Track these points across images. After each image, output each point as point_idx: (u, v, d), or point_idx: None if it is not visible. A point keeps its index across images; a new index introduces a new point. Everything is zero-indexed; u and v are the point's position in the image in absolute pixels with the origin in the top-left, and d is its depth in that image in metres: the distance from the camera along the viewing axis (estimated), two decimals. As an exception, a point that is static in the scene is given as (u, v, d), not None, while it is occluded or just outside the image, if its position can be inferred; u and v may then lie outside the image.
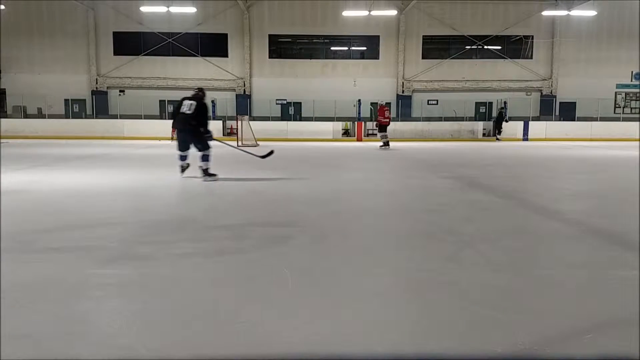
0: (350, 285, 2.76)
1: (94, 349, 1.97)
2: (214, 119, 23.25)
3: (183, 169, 7.63)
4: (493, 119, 22.33)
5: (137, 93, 24.69)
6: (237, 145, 16.52)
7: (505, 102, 23.00)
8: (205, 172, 7.35)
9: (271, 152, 8.78)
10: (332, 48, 25.95)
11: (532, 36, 25.34)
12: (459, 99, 25.06)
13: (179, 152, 7.55)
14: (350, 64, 25.72)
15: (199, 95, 7.35)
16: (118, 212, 5.02)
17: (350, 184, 7.52)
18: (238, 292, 2.64)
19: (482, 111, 25.63)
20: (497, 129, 21.65)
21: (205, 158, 7.33)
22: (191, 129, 7.21)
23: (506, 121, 21.57)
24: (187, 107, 7.18)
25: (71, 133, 21.66)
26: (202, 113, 7.24)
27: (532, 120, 23.69)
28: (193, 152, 7.50)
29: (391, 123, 16.46)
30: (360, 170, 9.53)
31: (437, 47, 25.85)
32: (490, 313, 2.34)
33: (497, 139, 21.39)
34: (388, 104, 17.28)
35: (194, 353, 1.93)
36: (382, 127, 15.70)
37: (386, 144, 15.64)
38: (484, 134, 22.50)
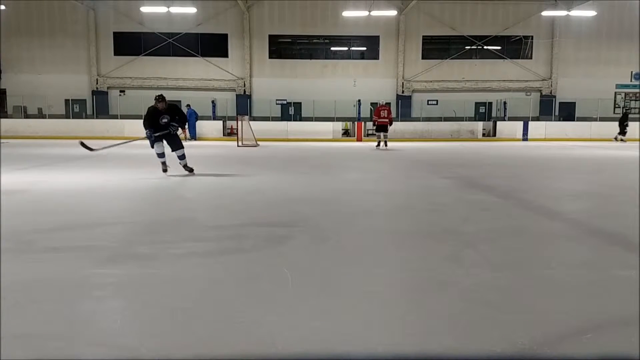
0: (350, 285, 2.76)
1: (94, 349, 1.97)
2: (214, 119, 23.29)
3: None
4: (619, 120, 21.19)
5: (137, 93, 24.65)
6: (237, 145, 16.64)
7: (626, 109, 21.53)
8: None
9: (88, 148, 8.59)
10: (332, 48, 25.95)
11: (532, 36, 25.34)
12: (458, 99, 25.06)
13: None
14: (350, 64, 25.73)
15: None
16: (118, 212, 5.02)
17: (350, 184, 7.52)
18: (238, 292, 2.64)
19: (482, 111, 25.63)
20: (622, 129, 20.69)
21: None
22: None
23: (626, 124, 20.51)
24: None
25: (71, 133, 21.61)
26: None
27: (532, 120, 23.69)
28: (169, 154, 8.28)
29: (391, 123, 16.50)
30: (360, 170, 9.53)
31: (437, 48, 25.85)
32: (490, 313, 2.34)
33: (621, 140, 20.30)
34: (388, 104, 17.31)
35: (194, 353, 1.93)
36: (379, 127, 15.99)
37: (378, 144, 16.02)
38: (483, 134, 22.50)
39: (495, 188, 6.92)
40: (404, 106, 25.30)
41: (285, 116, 24.96)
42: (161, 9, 21.94)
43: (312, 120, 23.57)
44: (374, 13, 22.41)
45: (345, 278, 2.89)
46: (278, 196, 6.09)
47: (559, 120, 24.42)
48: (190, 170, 8.21)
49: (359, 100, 23.35)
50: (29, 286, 2.69)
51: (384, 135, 15.91)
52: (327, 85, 25.13)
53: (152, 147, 8.12)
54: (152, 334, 2.11)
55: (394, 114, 25.07)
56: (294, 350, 1.95)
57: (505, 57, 25.42)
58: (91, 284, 2.75)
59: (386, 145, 15.87)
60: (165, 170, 8.16)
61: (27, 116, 24.16)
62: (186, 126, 20.68)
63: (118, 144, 9.90)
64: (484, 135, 22.50)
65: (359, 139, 21.60)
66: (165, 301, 2.48)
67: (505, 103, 24.34)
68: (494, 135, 22.50)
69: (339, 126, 22.41)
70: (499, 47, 25.47)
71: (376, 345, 2.00)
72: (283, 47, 25.94)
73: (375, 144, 16.31)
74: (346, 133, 22.60)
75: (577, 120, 23.96)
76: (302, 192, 6.50)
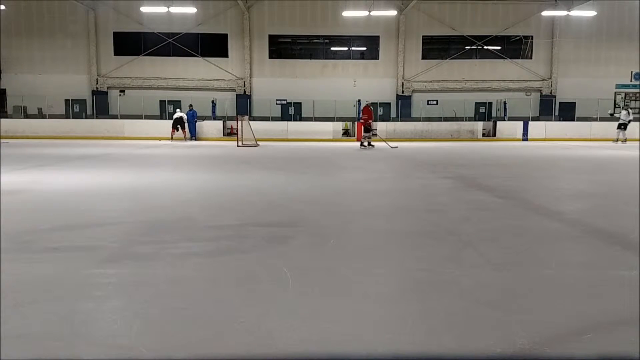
0: (350, 285, 2.76)
1: (94, 349, 1.97)
2: (214, 119, 23.30)
3: None
4: None
5: (137, 93, 24.67)
6: (238, 145, 16.63)
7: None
8: None
9: None
10: (332, 48, 25.95)
11: (532, 36, 25.35)
12: (458, 99, 25.06)
13: None
14: (350, 64, 25.73)
15: None
16: (118, 212, 5.01)
17: (350, 184, 7.52)
18: (238, 292, 2.64)
19: (482, 111, 25.64)
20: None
21: None
22: None
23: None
24: None
25: (71, 133, 21.66)
26: None
27: (532, 120, 23.70)
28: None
29: (385, 123, 16.90)
30: (360, 170, 9.53)
31: (437, 47, 25.85)
32: (490, 313, 2.34)
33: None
34: (367, 104, 17.33)
35: (194, 353, 1.93)
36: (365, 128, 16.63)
37: (369, 144, 16.43)
38: (483, 134, 22.51)
39: (495, 188, 6.92)
40: (404, 106, 25.31)
41: (285, 116, 24.96)
42: (161, 9, 21.94)
43: (312, 120, 23.58)
44: (374, 13, 22.42)
45: (345, 278, 2.89)
46: (278, 196, 6.09)
47: (559, 120, 24.42)
48: None
49: (359, 100, 23.33)
50: (29, 286, 2.69)
51: (364, 136, 16.56)
52: (327, 85, 25.14)
53: None
54: (152, 334, 2.11)
55: (393, 114, 25.21)
56: (294, 350, 1.95)
57: (505, 57, 25.42)
58: (91, 284, 2.75)
59: (362, 144, 16.37)
60: None
61: (27, 116, 24.16)
62: (186, 126, 20.87)
63: None
64: (484, 135, 22.51)
65: (359, 139, 21.57)
66: (165, 301, 2.48)
67: (505, 103, 24.35)
68: (494, 135, 22.51)
69: (339, 126, 22.42)
70: (499, 47, 25.47)
71: (376, 345, 2.00)
72: (283, 47, 25.94)
73: (365, 144, 16.65)
74: (346, 133, 22.61)
75: (577, 120, 23.97)
76: (302, 192, 6.50)
